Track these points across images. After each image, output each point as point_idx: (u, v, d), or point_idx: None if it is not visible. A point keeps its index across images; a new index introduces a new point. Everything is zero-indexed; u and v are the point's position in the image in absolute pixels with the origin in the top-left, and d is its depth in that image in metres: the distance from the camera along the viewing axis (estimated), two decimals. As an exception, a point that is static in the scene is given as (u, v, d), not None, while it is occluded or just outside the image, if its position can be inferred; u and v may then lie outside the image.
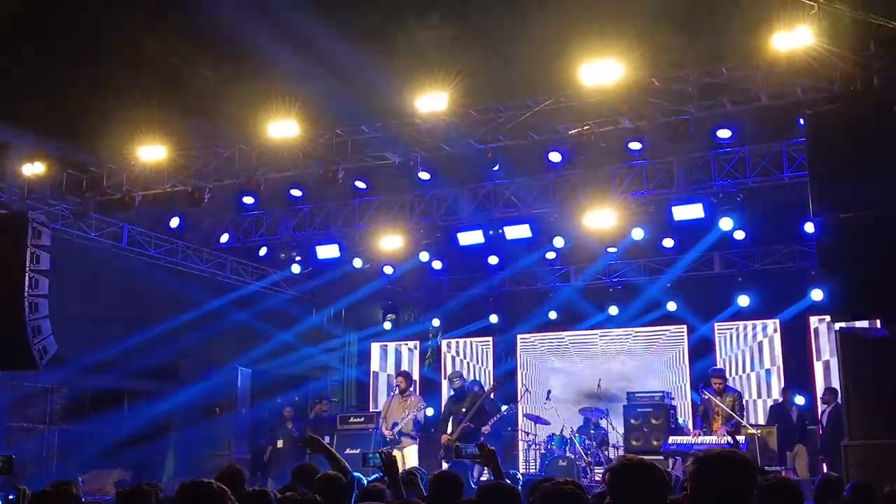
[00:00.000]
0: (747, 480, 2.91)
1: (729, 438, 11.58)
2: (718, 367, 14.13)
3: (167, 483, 12.03)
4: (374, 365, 18.42)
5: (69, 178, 13.28)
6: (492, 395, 13.23)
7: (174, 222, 13.53)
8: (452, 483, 5.45)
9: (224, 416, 14.05)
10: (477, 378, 17.43)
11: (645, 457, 3.35)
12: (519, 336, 17.57)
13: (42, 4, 12.15)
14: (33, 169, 13.18)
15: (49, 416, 17.60)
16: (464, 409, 12.02)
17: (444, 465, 10.69)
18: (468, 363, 17.80)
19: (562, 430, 13.96)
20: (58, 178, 13.33)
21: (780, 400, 14.26)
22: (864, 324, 11.88)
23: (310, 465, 6.76)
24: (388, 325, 18.29)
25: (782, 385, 15.07)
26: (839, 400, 12.86)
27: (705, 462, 2.95)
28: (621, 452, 13.77)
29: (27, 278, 12.84)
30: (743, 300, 15.36)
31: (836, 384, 12.50)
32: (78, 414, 18.01)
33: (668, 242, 14.08)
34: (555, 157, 11.39)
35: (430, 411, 14.78)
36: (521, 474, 12.23)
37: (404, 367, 17.32)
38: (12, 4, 11.73)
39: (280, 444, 15.49)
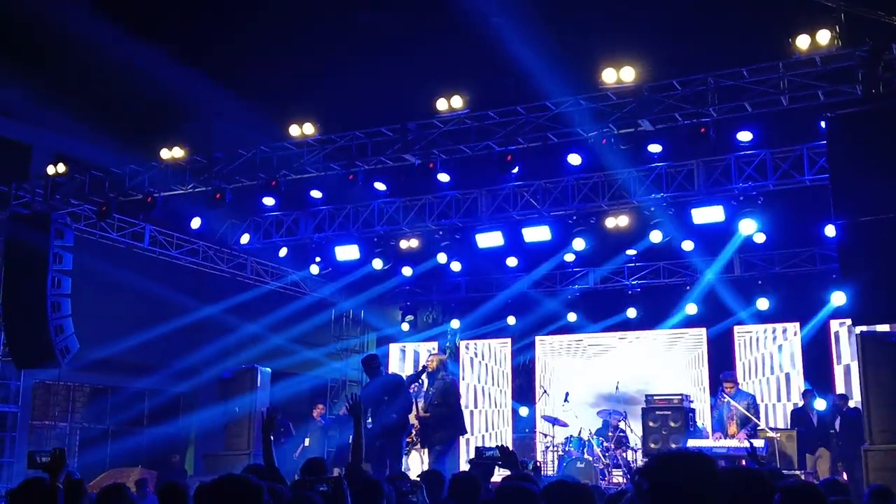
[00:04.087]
0: (705, 481, 2.71)
1: (746, 443, 11.55)
2: (730, 371, 14.09)
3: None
4: (393, 366, 18.46)
5: (92, 178, 13.41)
6: (412, 388, 12.38)
7: (195, 223, 13.61)
8: (471, 484, 5.56)
9: (243, 415, 14.09)
10: (494, 380, 17.47)
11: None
12: (537, 338, 17.58)
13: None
14: (56, 170, 13.35)
15: (70, 415, 17.80)
16: (385, 398, 10.89)
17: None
18: (486, 364, 17.83)
19: (580, 432, 13.94)
20: (80, 178, 13.48)
21: (801, 404, 14.15)
22: (885, 328, 11.82)
23: (318, 460, 6.90)
24: (406, 327, 18.31)
25: (802, 389, 14.98)
26: (849, 405, 12.88)
27: (662, 462, 2.77)
28: (639, 455, 13.74)
29: (50, 278, 13.01)
30: (763, 303, 15.27)
31: (856, 388, 12.44)
32: (98, 412, 18.21)
33: (687, 245, 14.01)
34: (574, 159, 11.37)
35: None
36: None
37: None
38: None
39: (307, 442, 15.56)
